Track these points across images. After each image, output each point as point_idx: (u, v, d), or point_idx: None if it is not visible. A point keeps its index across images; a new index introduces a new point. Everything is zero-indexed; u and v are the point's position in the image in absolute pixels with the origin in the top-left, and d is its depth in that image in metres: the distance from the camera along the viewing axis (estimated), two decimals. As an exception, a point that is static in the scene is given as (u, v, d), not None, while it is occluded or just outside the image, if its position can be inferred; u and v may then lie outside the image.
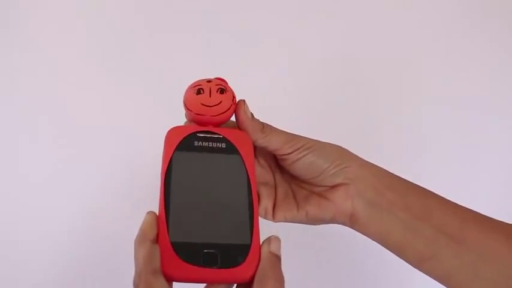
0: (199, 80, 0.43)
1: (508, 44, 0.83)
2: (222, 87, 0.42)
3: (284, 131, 0.43)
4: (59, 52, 0.76)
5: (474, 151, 0.79)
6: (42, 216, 0.71)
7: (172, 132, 0.42)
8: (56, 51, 0.76)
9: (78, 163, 0.74)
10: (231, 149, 0.42)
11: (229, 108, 0.42)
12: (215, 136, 0.42)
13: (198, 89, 0.42)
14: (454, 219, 0.41)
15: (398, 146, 0.77)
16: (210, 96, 0.41)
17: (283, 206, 0.44)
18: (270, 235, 0.39)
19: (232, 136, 0.42)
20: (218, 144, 0.42)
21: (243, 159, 0.42)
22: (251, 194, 0.40)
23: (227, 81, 0.44)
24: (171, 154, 0.40)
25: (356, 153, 0.45)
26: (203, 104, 0.41)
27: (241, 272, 0.37)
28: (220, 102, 0.42)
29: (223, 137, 0.42)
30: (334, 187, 0.43)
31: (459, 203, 0.43)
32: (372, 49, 0.81)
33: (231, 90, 0.43)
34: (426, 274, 0.43)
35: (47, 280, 0.70)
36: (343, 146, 0.44)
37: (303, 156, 0.42)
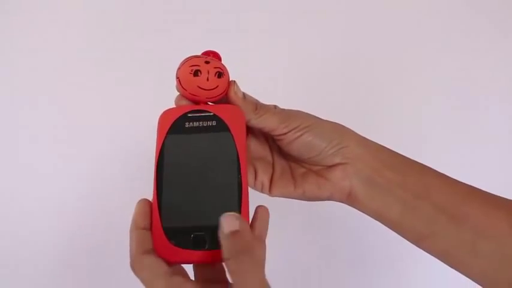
0: (195, 58, 0.43)
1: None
2: (220, 71, 0.42)
3: (279, 110, 0.42)
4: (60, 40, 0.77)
5: (473, 148, 0.78)
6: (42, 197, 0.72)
7: (164, 115, 0.42)
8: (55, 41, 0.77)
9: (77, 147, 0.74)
10: (220, 126, 0.41)
11: (224, 91, 0.42)
12: (206, 114, 0.42)
13: (195, 70, 0.41)
14: (454, 196, 0.41)
15: (397, 143, 0.76)
16: (207, 80, 0.41)
17: (280, 182, 0.44)
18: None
19: (223, 112, 0.42)
20: (208, 122, 0.41)
21: (233, 137, 0.41)
22: (240, 174, 0.40)
23: (221, 55, 0.44)
24: (162, 139, 0.41)
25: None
26: (199, 87, 0.41)
27: None
28: (217, 86, 0.42)
29: (214, 114, 0.42)
30: (332, 166, 0.43)
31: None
32: (371, 45, 0.82)
33: (227, 73, 0.43)
34: (425, 251, 0.42)
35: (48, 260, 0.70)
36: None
37: (300, 136, 0.41)
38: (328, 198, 0.43)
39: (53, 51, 0.77)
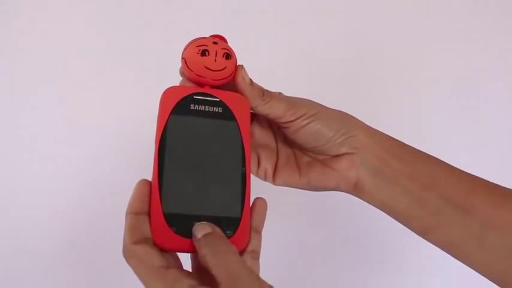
0: (203, 39, 0.41)
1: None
2: (228, 53, 0.41)
3: (286, 97, 0.42)
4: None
5: (473, 148, 0.78)
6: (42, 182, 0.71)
7: (168, 93, 0.40)
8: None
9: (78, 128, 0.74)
10: (227, 114, 0.40)
11: (231, 74, 0.42)
12: (212, 99, 0.40)
13: (203, 50, 0.40)
14: (461, 187, 0.40)
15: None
16: (215, 60, 0.40)
17: (284, 171, 0.43)
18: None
19: (229, 100, 0.41)
20: (215, 108, 0.40)
21: (239, 127, 0.40)
22: (245, 165, 0.39)
23: (227, 40, 0.43)
24: (166, 118, 0.39)
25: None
26: (206, 67, 0.40)
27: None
28: (225, 68, 0.40)
29: (220, 100, 0.41)
30: (338, 156, 0.42)
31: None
32: (373, 42, 0.82)
33: (235, 55, 0.42)
34: (431, 243, 0.42)
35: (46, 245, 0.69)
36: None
37: (307, 124, 0.41)
38: (334, 189, 0.43)
39: (53, 51, 0.76)
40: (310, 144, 0.42)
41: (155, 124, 0.39)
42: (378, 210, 0.43)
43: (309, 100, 0.42)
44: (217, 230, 0.35)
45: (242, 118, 0.41)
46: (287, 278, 0.70)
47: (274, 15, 0.81)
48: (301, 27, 0.81)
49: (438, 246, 0.41)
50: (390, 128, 0.79)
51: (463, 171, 0.42)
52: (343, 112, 0.43)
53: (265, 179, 0.43)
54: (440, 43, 0.83)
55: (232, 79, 0.41)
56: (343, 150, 0.42)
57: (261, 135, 0.45)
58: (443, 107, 0.80)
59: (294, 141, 0.43)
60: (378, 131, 0.43)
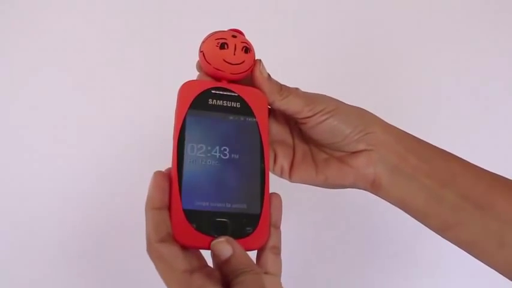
0: (221, 32, 0.41)
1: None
2: (247, 46, 0.40)
3: (303, 93, 0.41)
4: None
5: (477, 145, 0.78)
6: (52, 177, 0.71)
7: (186, 87, 0.39)
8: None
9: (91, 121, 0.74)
10: (245, 109, 0.40)
11: (249, 68, 0.41)
12: (230, 94, 0.40)
13: (222, 43, 0.39)
14: (480, 184, 0.40)
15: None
16: (234, 54, 0.39)
17: (301, 167, 0.42)
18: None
19: (248, 95, 0.40)
20: (233, 103, 0.40)
21: (257, 123, 0.40)
22: (264, 161, 0.39)
23: (245, 35, 0.43)
24: (184, 113, 0.38)
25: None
26: (225, 61, 0.39)
27: (250, 242, 0.37)
28: (243, 61, 0.40)
29: (238, 95, 0.40)
30: (355, 153, 0.42)
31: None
32: (374, 39, 0.82)
33: (254, 50, 0.41)
34: (449, 241, 0.41)
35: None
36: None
37: (324, 120, 0.40)
38: (351, 186, 0.42)
39: (53, 51, 0.76)
40: (327, 141, 0.42)
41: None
42: (392, 207, 0.43)
43: (327, 96, 0.42)
44: (237, 247, 0.34)
45: (260, 114, 0.40)
46: (301, 275, 0.69)
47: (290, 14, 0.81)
48: (301, 27, 0.81)
49: (457, 245, 0.41)
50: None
51: (482, 169, 0.41)
52: (361, 108, 0.43)
53: (281, 175, 0.43)
54: (440, 43, 0.83)
55: (250, 73, 0.41)
56: (361, 147, 0.41)
57: (278, 131, 0.44)
58: (444, 107, 0.80)
59: (310, 137, 0.42)
60: (395, 127, 0.42)
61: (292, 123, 0.44)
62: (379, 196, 0.42)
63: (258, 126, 0.40)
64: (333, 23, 0.82)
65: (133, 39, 0.78)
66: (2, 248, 0.65)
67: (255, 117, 0.40)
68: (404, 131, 0.43)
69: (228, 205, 0.37)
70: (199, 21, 0.78)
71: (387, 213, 0.45)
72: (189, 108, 0.38)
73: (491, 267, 0.40)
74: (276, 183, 0.41)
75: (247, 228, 0.36)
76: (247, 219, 0.37)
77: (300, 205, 0.71)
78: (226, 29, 0.41)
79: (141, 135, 0.74)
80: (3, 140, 0.71)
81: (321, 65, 0.79)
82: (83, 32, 0.77)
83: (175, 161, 0.37)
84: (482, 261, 0.40)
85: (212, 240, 0.35)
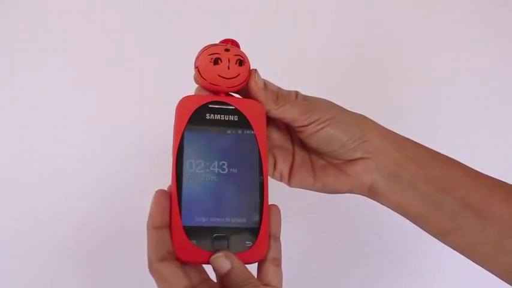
0: (215, 46, 0.41)
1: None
2: (241, 59, 0.40)
3: (301, 101, 0.41)
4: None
5: (481, 147, 0.78)
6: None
7: (183, 103, 0.39)
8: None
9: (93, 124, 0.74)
10: (243, 122, 0.40)
11: (245, 80, 0.41)
12: (227, 108, 0.40)
13: (215, 58, 0.40)
14: (479, 190, 0.40)
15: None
16: (228, 68, 0.40)
17: (299, 173, 0.43)
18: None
19: (245, 107, 0.40)
20: (230, 117, 0.40)
21: (255, 135, 0.40)
22: (262, 174, 0.39)
23: (239, 43, 0.43)
24: (182, 129, 0.38)
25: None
26: (220, 76, 0.40)
27: (250, 255, 0.37)
28: (238, 75, 0.40)
29: (236, 108, 0.40)
30: (352, 161, 0.42)
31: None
32: (373, 39, 0.82)
33: (248, 60, 0.41)
34: (448, 246, 0.41)
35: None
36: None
37: (321, 129, 0.40)
38: (349, 192, 0.43)
39: (53, 51, 0.76)
40: (325, 149, 0.42)
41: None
42: (390, 211, 0.43)
43: (327, 102, 0.42)
44: (236, 262, 0.35)
45: (258, 125, 0.40)
46: (299, 279, 0.69)
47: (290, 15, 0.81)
48: (300, 27, 0.81)
49: (456, 250, 0.41)
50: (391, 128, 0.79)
51: (481, 174, 0.41)
52: (360, 115, 0.42)
53: (280, 180, 0.43)
54: (440, 43, 0.83)
55: (246, 84, 0.41)
56: (358, 155, 0.41)
57: (278, 136, 0.45)
58: (444, 106, 0.80)
59: (308, 145, 0.43)
60: (394, 133, 0.42)
61: (292, 129, 0.44)
62: (377, 201, 0.42)
63: (256, 139, 0.40)
64: (333, 23, 0.82)
65: (134, 39, 0.77)
66: (2, 248, 0.65)
67: (253, 130, 0.40)
68: (404, 137, 0.42)
69: (227, 220, 0.38)
70: (200, 21, 0.78)
71: (387, 217, 0.45)
72: (186, 124, 0.39)
73: (491, 272, 0.40)
74: (277, 187, 0.42)
75: (247, 242, 0.37)
76: (247, 233, 0.37)
77: (299, 209, 0.70)
78: (218, 42, 0.42)
79: (141, 135, 0.74)
80: (3, 140, 0.71)
81: (321, 66, 0.79)
82: (83, 32, 0.77)
83: (174, 178, 0.37)
84: (482, 267, 0.41)
85: (211, 255, 0.36)
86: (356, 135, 0.41)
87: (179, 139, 0.38)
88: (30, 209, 0.68)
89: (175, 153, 0.38)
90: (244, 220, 0.38)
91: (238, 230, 0.37)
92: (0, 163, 0.70)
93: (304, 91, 0.43)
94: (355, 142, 0.41)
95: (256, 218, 0.38)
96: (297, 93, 0.42)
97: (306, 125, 0.40)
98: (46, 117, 0.73)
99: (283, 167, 0.43)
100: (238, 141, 0.40)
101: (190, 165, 0.38)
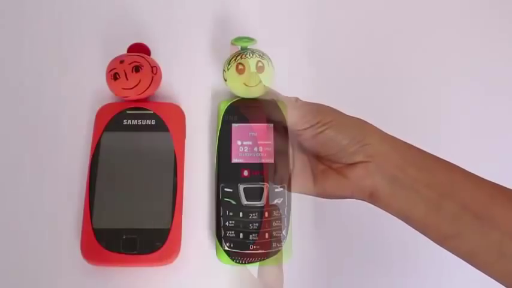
0: (113, 61, 0.42)
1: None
2: (137, 65, 0.41)
3: (300, 104, 0.42)
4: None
5: (489, 144, 0.78)
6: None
7: (102, 110, 0.41)
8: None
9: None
10: (160, 125, 0.41)
11: (151, 83, 0.41)
12: (145, 112, 0.41)
13: (113, 74, 0.41)
14: (480, 195, 0.40)
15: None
16: (127, 79, 0.40)
17: (299, 179, 0.43)
18: None
19: (163, 111, 0.41)
20: (148, 121, 0.41)
21: (171, 137, 0.41)
22: (176, 176, 0.40)
23: (148, 47, 0.43)
24: (98, 135, 0.40)
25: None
26: (124, 88, 0.41)
27: (159, 256, 0.38)
28: (139, 81, 0.41)
29: (154, 112, 0.41)
30: (353, 164, 0.42)
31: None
32: (373, 39, 0.81)
33: (148, 61, 0.42)
34: (449, 251, 0.42)
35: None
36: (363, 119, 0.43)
37: (321, 132, 0.41)
38: (350, 197, 0.43)
39: (53, 51, 0.75)
40: (324, 152, 0.42)
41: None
42: (391, 216, 0.43)
43: (325, 107, 0.42)
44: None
45: (175, 127, 0.41)
46: (299, 279, 0.69)
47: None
48: (300, 27, 0.81)
49: (457, 255, 0.41)
50: (391, 130, 0.79)
51: (482, 178, 0.41)
52: (359, 119, 0.43)
53: (281, 185, 0.43)
54: (441, 43, 0.83)
55: (157, 87, 0.42)
56: (358, 158, 0.42)
57: (277, 141, 0.44)
58: (444, 106, 0.80)
59: (308, 148, 0.43)
60: (394, 137, 0.43)
61: (292, 133, 0.45)
62: (378, 207, 0.42)
63: (172, 141, 0.41)
64: (334, 23, 0.82)
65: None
66: (2, 248, 0.66)
67: (169, 131, 0.40)
68: (404, 141, 0.43)
69: (137, 222, 0.38)
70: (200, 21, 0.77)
71: (388, 222, 0.45)
72: (103, 131, 0.40)
73: (493, 278, 0.41)
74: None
75: (157, 243, 0.38)
76: (157, 234, 0.39)
77: (300, 212, 0.70)
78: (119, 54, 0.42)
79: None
80: (3, 140, 0.71)
81: (321, 65, 0.78)
82: (84, 33, 0.76)
83: (88, 183, 0.38)
84: (483, 272, 0.41)
85: (121, 256, 0.38)
86: (356, 138, 0.41)
87: (94, 145, 0.40)
88: (30, 209, 0.68)
89: (91, 157, 0.40)
90: (155, 221, 0.39)
91: (148, 231, 0.39)
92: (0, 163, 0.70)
93: (304, 98, 0.43)
94: (355, 145, 0.41)
95: (168, 219, 0.39)
96: (296, 99, 0.42)
97: (305, 129, 0.41)
98: (46, 117, 0.73)
99: (283, 172, 0.43)
100: (153, 143, 0.41)
101: (103, 170, 0.40)
